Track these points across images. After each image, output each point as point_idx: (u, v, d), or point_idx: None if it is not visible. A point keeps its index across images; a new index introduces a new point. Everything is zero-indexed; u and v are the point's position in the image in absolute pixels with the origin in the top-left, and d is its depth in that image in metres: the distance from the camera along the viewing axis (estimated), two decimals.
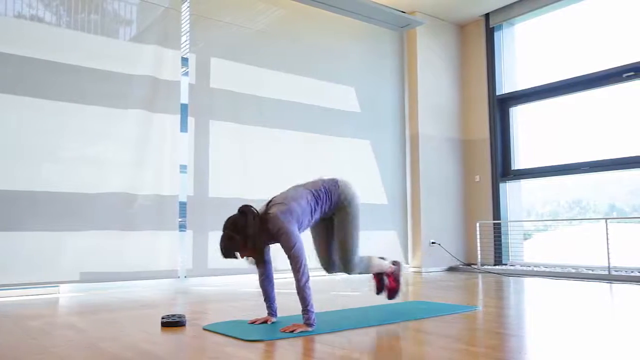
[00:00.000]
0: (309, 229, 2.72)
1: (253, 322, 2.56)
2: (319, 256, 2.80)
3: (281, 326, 2.40)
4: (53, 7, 4.11)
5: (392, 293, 2.93)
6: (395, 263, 2.97)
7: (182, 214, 4.55)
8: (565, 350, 1.95)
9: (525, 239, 5.93)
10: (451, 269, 6.01)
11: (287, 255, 2.41)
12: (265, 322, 2.56)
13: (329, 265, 2.78)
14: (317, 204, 2.58)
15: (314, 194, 2.59)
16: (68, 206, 4.01)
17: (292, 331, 2.30)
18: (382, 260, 2.89)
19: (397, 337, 2.23)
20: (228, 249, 2.36)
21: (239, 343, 2.12)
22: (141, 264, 4.29)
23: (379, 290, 2.99)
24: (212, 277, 4.61)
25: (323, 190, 2.62)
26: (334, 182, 2.68)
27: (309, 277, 2.39)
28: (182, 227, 4.53)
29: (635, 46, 4.94)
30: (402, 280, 2.95)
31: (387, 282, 2.93)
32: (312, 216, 2.56)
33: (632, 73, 4.90)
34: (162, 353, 1.93)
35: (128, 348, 2.02)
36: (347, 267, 2.67)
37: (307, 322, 2.35)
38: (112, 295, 3.79)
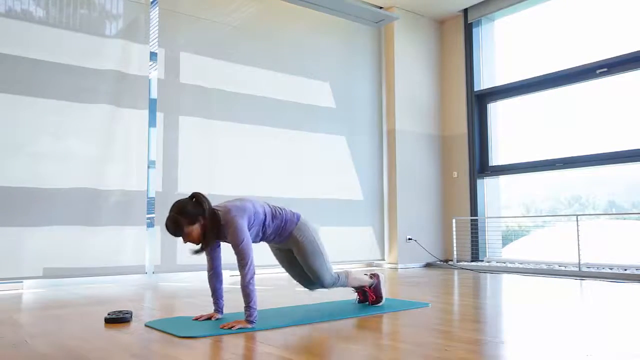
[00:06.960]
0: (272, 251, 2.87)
1: (197, 319, 2.54)
2: (295, 280, 2.88)
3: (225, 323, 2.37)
4: (17, 1, 4.06)
5: (375, 303, 2.94)
6: (373, 276, 2.98)
7: (151, 210, 4.52)
8: (491, 347, 1.93)
9: (504, 243, 5.89)
10: (428, 265, 5.99)
11: (234, 251, 2.41)
12: (209, 318, 2.55)
13: (307, 286, 2.86)
14: (273, 221, 2.61)
15: (272, 210, 2.64)
16: (33, 201, 3.97)
17: (231, 327, 2.29)
18: (361, 274, 2.95)
19: (333, 335, 2.21)
20: (171, 229, 2.35)
21: (173, 340, 2.10)
22: (108, 259, 4.26)
23: (361, 302, 3.01)
24: (181, 273, 4.59)
25: (284, 215, 2.66)
26: (295, 216, 2.70)
27: (254, 274, 2.40)
28: (150, 223, 4.50)
29: (609, 43, 4.91)
30: (384, 291, 2.95)
31: (369, 296, 2.95)
32: (263, 226, 2.58)
33: (605, 69, 4.87)
34: (84, 350, 1.90)
35: (53, 345, 2.00)
36: (324, 285, 2.75)
37: (248, 319, 2.34)
38: (73, 292, 3.76)
